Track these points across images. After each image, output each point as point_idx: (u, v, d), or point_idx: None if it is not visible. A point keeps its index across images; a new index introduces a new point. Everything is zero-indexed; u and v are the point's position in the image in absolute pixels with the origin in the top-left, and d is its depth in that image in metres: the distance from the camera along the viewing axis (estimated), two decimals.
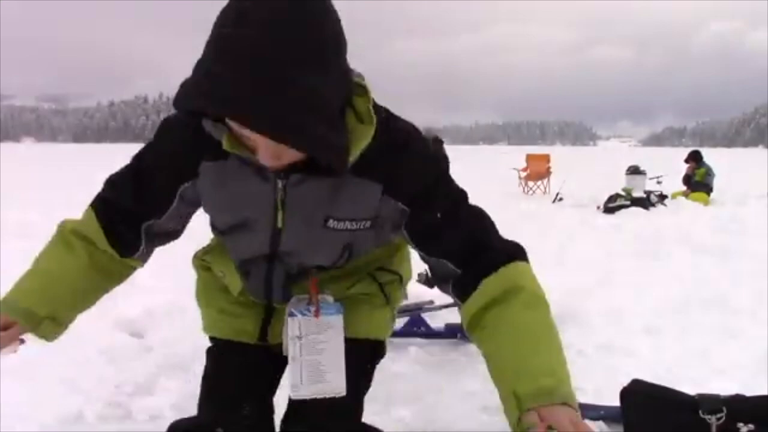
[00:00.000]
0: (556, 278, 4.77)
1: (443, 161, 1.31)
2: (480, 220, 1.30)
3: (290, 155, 1.11)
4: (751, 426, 2.04)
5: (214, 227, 1.44)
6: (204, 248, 1.58)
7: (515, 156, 20.20)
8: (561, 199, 11.38)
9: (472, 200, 1.36)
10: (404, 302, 3.73)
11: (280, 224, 1.27)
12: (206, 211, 1.37)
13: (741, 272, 5.04)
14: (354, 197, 1.24)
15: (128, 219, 1.36)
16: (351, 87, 1.14)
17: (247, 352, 1.49)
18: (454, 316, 3.63)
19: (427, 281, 3.63)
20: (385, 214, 1.28)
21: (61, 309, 1.36)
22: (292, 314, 1.36)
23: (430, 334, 3.54)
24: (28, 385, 2.62)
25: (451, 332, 3.54)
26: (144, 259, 1.45)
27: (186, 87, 1.02)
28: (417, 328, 3.55)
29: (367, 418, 2.55)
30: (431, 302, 3.72)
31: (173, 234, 1.45)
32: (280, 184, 1.23)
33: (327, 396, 1.37)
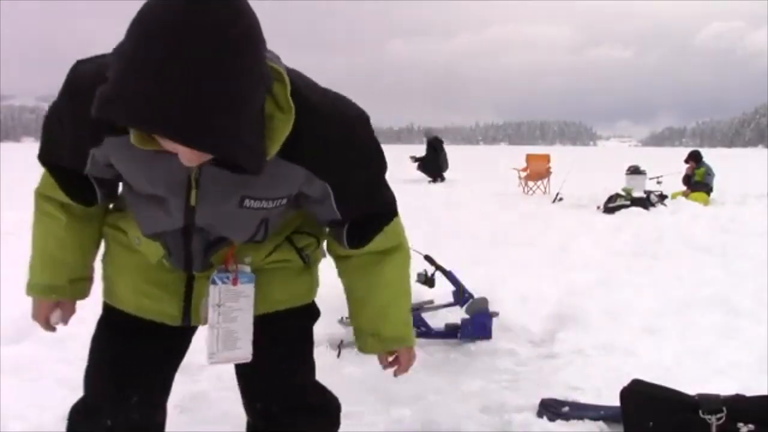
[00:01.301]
0: (556, 278, 4.77)
1: (369, 138, 1.32)
2: (390, 203, 1.46)
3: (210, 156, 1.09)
4: (751, 426, 2.04)
5: (128, 193, 1.39)
6: (116, 213, 1.49)
7: (515, 156, 20.21)
8: (561, 199, 11.37)
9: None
10: None
11: (193, 202, 1.26)
12: (122, 173, 1.32)
13: (741, 272, 5.04)
14: (274, 178, 1.23)
15: (69, 171, 1.37)
16: (270, 76, 1.12)
17: (149, 335, 1.46)
18: (454, 316, 3.64)
19: (427, 281, 3.63)
20: (308, 192, 1.31)
21: (74, 269, 1.48)
22: (214, 282, 1.39)
23: (430, 334, 3.54)
24: (28, 385, 2.62)
25: (451, 332, 3.54)
26: (113, 201, 1.47)
27: (101, 97, 1.00)
28: (417, 328, 3.55)
29: (367, 417, 2.57)
30: (431, 302, 3.72)
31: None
32: None
33: (238, 362, 1.46)
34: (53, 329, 1.53)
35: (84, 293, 1.53)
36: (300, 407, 1.51)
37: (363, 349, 1.56)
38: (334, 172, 1.28)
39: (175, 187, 1.25)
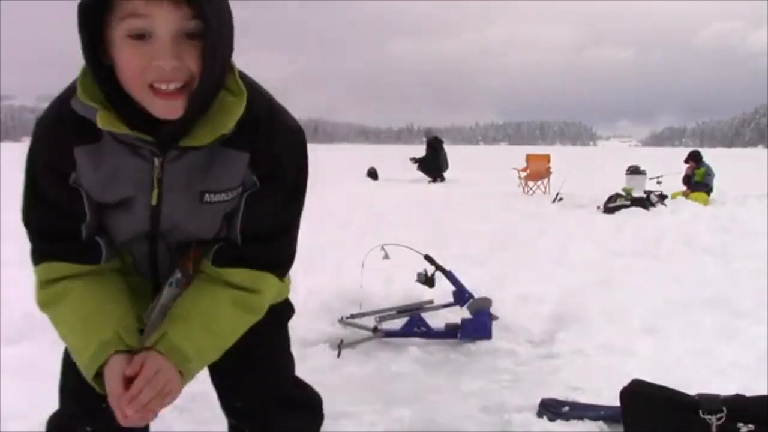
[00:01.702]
0: (556, 278, 4.78)
1: (303, 144, 1.35)
2: (287, 231, 1.37)
3: (190, 56, 1.12)
4: (751, 426, 2.04)
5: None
6: None
7: (515, 156, 20.21)
8: (561, 199, 11.37)
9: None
10: (404, 302, 3.75)
11: (154, 201, 1.28)
12: (89, 194, 1.30)
13: (741, 272, 5.04)
14: (226, 168, 1.27)
15: (69, 238, 1.31)
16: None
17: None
18: (454, 316, 3.64)
19: (427, 281, 3.64)
20: (245, 184, 1.31)
21: (119, 317, 1.30)
22: (170, 284, 1.38)
23: (430, 334, 3.54)
24: (28, 385, 2.62)
25: (451, 332, 3.54)
26: (117, 254, 1.40)
27: None
28: (417, 328, 3.55)
29: (368, 417, 2.57)
30: (431, 302, 3.72)
31: None
32: (156, 161, 1.24)
33: None
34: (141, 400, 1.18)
35: (138, 341, 1.29)
36: (281, 401, 1.51)
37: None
38: (267, 165, 1.29)
39: (140, 188, 1.27)
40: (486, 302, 3.57)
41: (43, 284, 1.32)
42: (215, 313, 1.30)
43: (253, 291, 1.32)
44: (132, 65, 1.13)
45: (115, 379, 1.20)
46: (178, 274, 1.38)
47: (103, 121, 1.16)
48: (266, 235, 1.33)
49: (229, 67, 1.22)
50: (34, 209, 1.31)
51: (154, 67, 1.12)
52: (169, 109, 1.16)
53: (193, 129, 1.21)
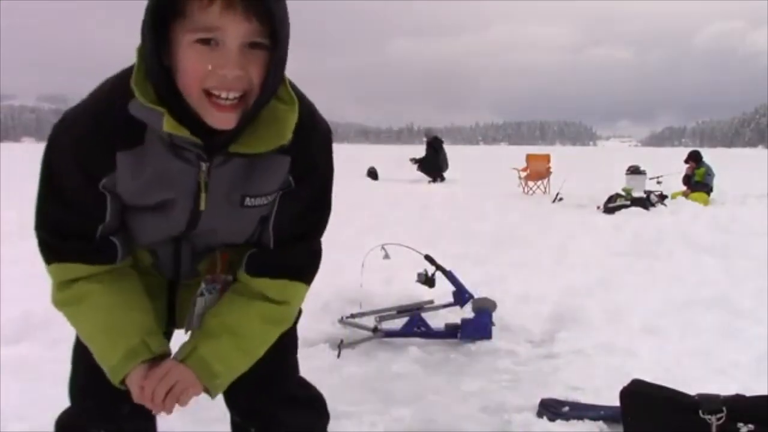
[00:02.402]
0: (556, 278, 4.78)
1: (331, 144, 1.38)
2: (316, 232, 1.42)
3: (255, 67, 1.14)
4: (751, 426, 2.04)
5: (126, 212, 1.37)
6: None
7: (515, 156, 20.21)
8: (561, 199, 11.37)
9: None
10: (404, 302, 3.74)
11: (203, 206, 1.29)
12: (123, 197, 1.30)
13: (741, 272, 5.04)
14: (267, 172, 1.29)
15: (83, 238, 1.29)
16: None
17: None
18: (454, 316, 3.63)
19: (427, 281, 3.63)
20: (282, 186, 1.33)
21: (142, 324, 1.32)
22: (202, 294, 1.40)
23: (430, 334, 3.54)
24: (28, 385, 2.62)
25: (451, 332, 3.54)
26: (130, 253, 1.39)
27: None
28: (417, 328, 3.55)
29: (368, 417, 2.57)
30: (431, 302, 3.72)
31: None
32: (203, 166, 1.25)
33: None
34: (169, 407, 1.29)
35: (162, 348, 1.33)
36: (286, 400, 1.52)
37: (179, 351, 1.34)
38: (305, 166, 1.31)
39: (185, 192, 1.27)
40: (489, 303, 3.58)
41: (60, 286, 1.32)
42: (246, 331, 1.34)
43: (282, 303, 1.37)
44: (196, 70, 1.13)
45: (139, 386, 1.27)
46: (211, 283, 1.39)
47: (170, 125, 1.15)
48: (297, 235, 1.36)
49: (282, 76, 1.23)
50: (50, 206, 1.29)
51: (218, 75, 1.13)
52: (223, 121, 1.17)
53: (242, 136, 1.21)
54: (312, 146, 1.31)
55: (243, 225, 1.36)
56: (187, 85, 1.15)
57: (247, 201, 1.30)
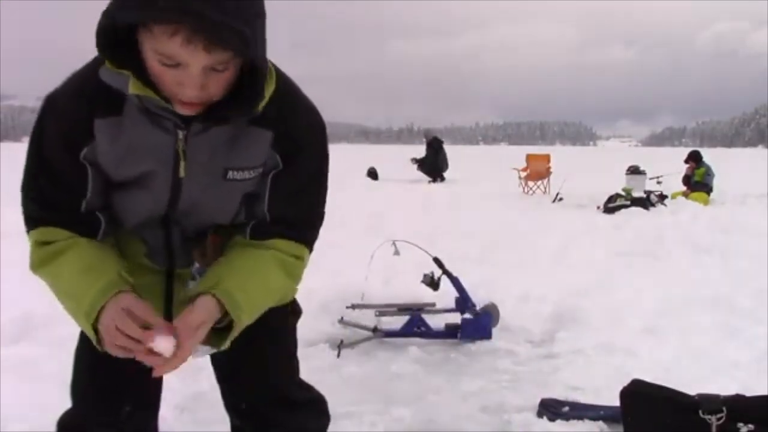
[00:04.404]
0: (556, 278, 4.77)
1: (322, 127, 1.37)
2: (313, 214, 1.40)
3: (216, 85, 1.14)
4: (751, 426, 2.04)
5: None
6: None
7: (515, 156, 20.21)
8: (561, 199, 11.37)
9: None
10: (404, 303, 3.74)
11: (182, 173, 1.28)
12: (104, 169, 1.30)
13: (741, 272, 5.04)
14: (249, 146, 1.29)
15: (68, 210, 1.29)
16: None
17: None
18: (454, 316, 3.63)
19: (432, 283, 3.62)
20: (267, 164, 1.32)
21: (118, 263, 1.30)
22: (193, 277, 1.39)
23: (430, 334, 3.54)
24: (28, 385, 2.62)
25: (451, 332, 3.54)
26: (115, 230, 1.38)
27: (122, 1, 1.09)
28: (417, 328, 3.55)
29: (368, 417, 2.57)
30: (433, 305, 3.71)
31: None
32: (180, 134, 1.24)
33: (205, 354, 1.45)
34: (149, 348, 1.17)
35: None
36: (286, 402, 1.51)
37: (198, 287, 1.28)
38: (290, 143, 1.30)
39: (162, 161, 1.27)
40: (493, 311, 3.60)
41: (38, 245, 1.30)
42: (265, 270, 1.31)
43: (296, 257, 1.34)
44: (158, 75, 1.14)
45: (121, 314, 1.17)
46: (203, 267, 1.38)
47: (136, 86, 1.16)
48: (292, 217, 1.35)
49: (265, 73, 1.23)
50: (36, 178, 1.30)
51: (180, 89, 1.14)
52: (187, 111, 1.18)
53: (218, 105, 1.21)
54: (295, 124, 1.30)
55: (226, 201, 1.35)
56: (153, 78, 1.16)
57: (230, 174, 1.29)
